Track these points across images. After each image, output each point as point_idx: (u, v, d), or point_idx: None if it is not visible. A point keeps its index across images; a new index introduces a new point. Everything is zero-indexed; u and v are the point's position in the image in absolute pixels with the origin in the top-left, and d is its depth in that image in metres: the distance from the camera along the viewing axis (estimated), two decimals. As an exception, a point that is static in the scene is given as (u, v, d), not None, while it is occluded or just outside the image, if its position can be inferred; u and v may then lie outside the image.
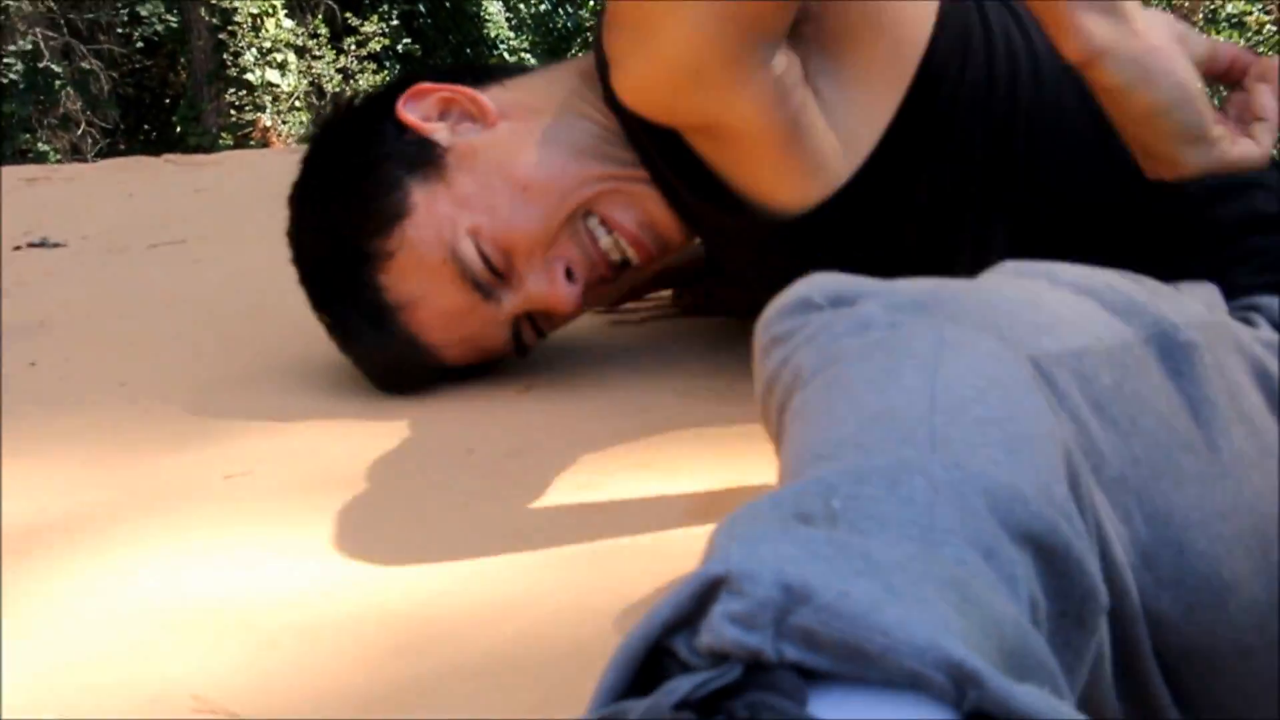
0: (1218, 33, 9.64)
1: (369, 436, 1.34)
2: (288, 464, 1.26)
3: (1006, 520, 0.66)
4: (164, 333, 1.76)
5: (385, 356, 1.42)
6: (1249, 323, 1.03)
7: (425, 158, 1.38)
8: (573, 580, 1.02)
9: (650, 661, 0.57)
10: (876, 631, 0.54)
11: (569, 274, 1.37)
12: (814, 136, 1.17)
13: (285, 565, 1.06)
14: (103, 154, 9.86)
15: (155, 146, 9.90)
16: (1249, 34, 9.56)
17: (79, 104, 9.97)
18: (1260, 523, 0.87)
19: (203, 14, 10.83)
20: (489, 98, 1.41)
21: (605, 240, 1.38)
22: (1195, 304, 0.96)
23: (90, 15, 10.08)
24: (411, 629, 0.96)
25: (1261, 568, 0.86)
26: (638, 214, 1.38)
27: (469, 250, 1.35)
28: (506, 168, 1.37)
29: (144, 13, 11.05)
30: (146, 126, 11.03)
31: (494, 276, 1.36)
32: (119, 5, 10.95)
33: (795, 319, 0.87)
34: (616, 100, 1.25)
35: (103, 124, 10.11)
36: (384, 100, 1.43)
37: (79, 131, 10.02)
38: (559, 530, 1.10)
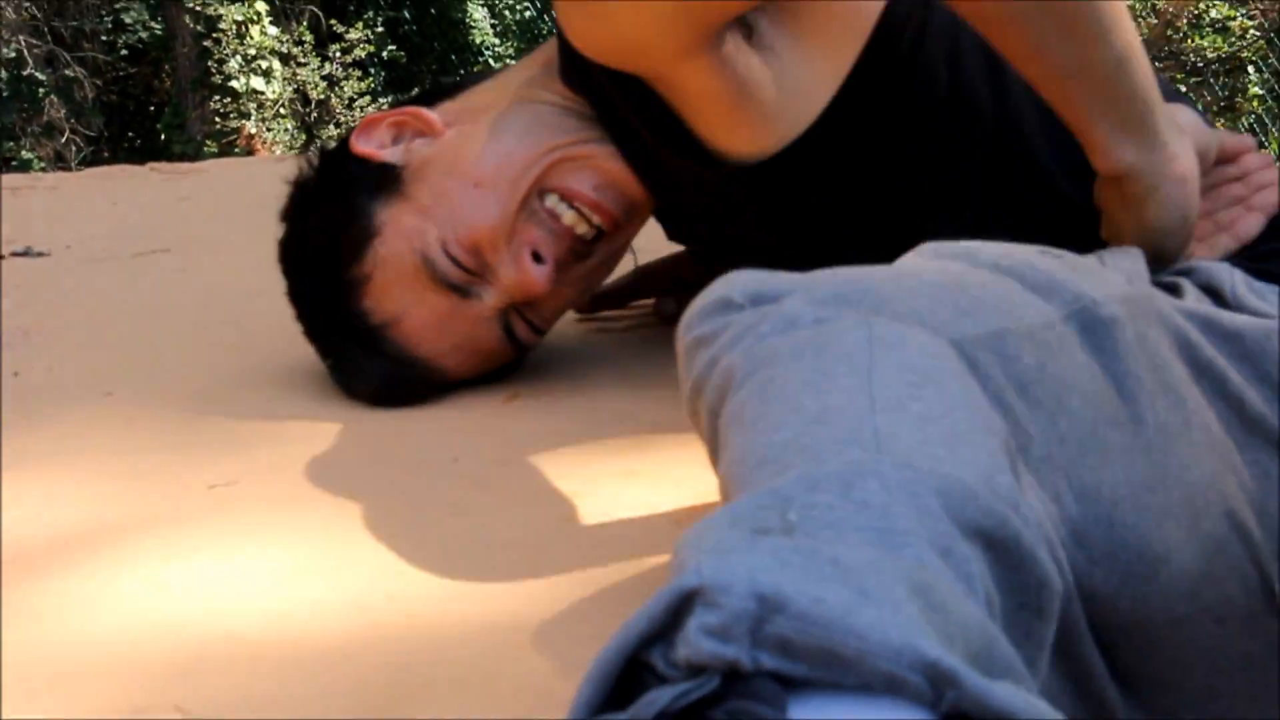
0: (1201, 38, 9.66)
1: (354, 446, 1.33)
2: (272, 475, 1.26)
3: (959, 517, 0.67)
4: (149, 342, 1.76)
5: (386, 379, 1.43)
6: (1175, 290, 1.03)
7: (383, 180, 1.41)
8: (559, 589, 1.02)
9: (626, 675, 0.58)
10: (851, 636, 0.55)
11: (536, 256, 1.38)
12: (764, 91, 1.17)
13: (270, 577, 1.06)
14: (87, 162, 9.83)
15: (140, 154, 9.88)
16: (1232, 39, 9.58)
17: (63, 112, 9.93)
18: (1188, 492, 0.87)
19: (187, 21, 10.79)
20: (439, 111, 1.45)
21: (567, 215, 1.39)
22: (1117, 276, 0.95)
23: (74, 23, 10.06)
24: (396, 640, 0.96)
25: (1191, 537, 0.87)
26: (591, 176, 1.39)
27: (437, 253, 1.37)
28: (456, 169, 1.39)
29: (128, 20, 11.03)
30: (131, 134, 11.01)
31: (467, 274, 1.38)
32: (103, 13, 10.92)
33: (717, 319, 0.87)
34: (573, 73, 1.28)
35: (87, 132, 10.08)
36: (342, 144, 1.48)
37: (63, 139, 9.99)
38: (545, 539, 1.10)
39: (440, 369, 1.43)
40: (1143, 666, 0.88)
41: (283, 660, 0.94)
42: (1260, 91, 9.22)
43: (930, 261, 0.94)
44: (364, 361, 1.44)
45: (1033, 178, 1.24)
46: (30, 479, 1.28)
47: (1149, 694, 0.89)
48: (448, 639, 0.96)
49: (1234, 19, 9.61)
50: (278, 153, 10.95)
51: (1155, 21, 9.95)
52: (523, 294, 1.39)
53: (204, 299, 1.97)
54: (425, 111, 1.45)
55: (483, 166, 1.39)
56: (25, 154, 9.88)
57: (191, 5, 10.58)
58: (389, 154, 1.43)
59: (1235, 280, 1.04)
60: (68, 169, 9.77)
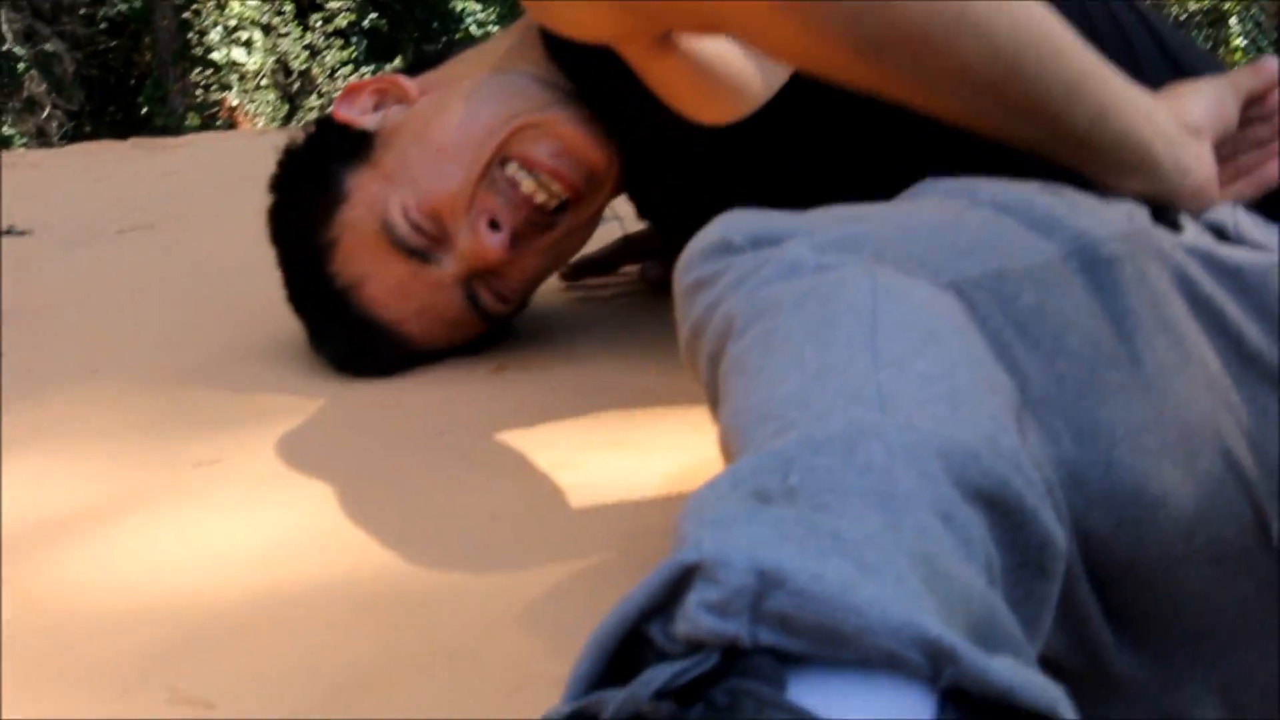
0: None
1: (340, 420, 1.33)
2: (258, 451, 1.26)
3: (960, 480, 0.67)
4: (134, 319, 1.75)
5: (352, 342, 1.43)
6: (1176, 226, 1.02)
7: (355, 147, 1.42)
8: (548, 562, 1.02)
9: (624, 649, 0.57)
10: (851, 612, 0.54)
11: (493, 224, 1.38)
12: (731, 61, 1.16)
13: (258, 554, 1.06)
14: (68, 137, 9.80)
15: (121, 128, 9.84)
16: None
17: (43, 87, 9.90)
18: (1185, 431, 0.87)
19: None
20: (420, 80, 1.47)
21: (526, 183, 1.39)
22: (1116, 213, 0.95)
23: (53, -4, 10.00)
24: (386, 614, 0.96)
25: (1188, 477, 0.87)
26: (552, 144, 1.39)
27: (397, 218, 1.38)
28: (422, 135, 1.40)
29: (107, -7, 10.99)
30: (112, 108, 10.97)
31: (427, 240, 1.38)
32: (81, -14, 10.87)
33: (717, 261, 0.87)
34: (553, 38, 1.29)
35: (68, 106, 10.04)
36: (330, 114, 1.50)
37: (44, 115, 9.96)
38: (534, 510, 1.10)
39: (405, 335, 1.43)
40: (1135, 607, 0.88)
41: (273, 637, 0.94)
42: (1242, 43, 9.22)
43: (930, 199, 0.94)
44: (331, 325, 1.45)
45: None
46: (16, 459, 1.28)
47: (1140, 634, 0.89)
48: (437, 614, 0.96)
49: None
50: (260, 124, 10.92)
51: (1138, -25, 9.93)
52: (479, 262, 1.39)
53: (188, 275, 1.97)
54: (404, 79, 1.46)
55: (446, 133, 1.39)
56: (6, 130, 9.85)
57: (171, -22, 10.54)
58: (367, 120, 1.44)
59: (1238, 217, 1.03)
60: (50, 144, 9.74)
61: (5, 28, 9.63)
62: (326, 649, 0.92)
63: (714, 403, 0.85)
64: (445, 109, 1.41)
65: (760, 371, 0.77)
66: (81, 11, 10.22)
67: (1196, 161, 1.09)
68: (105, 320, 1.76)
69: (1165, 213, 1.05)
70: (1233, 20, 9.32)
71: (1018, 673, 0.55)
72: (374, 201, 1.39)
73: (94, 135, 9.65)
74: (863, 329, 0.76)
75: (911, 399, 0.72)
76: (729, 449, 0.76)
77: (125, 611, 0.99)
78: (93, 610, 0.99)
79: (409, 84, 1.46)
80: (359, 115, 1.45)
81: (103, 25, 10.58)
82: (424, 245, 1.38)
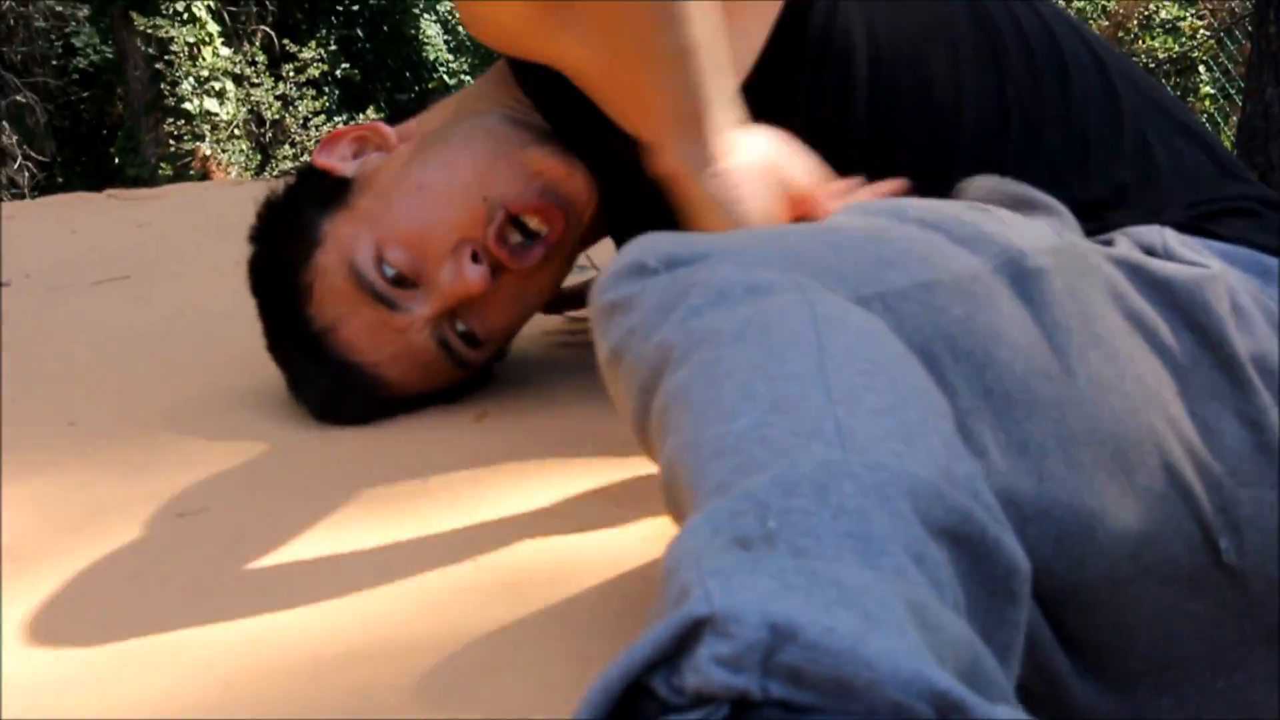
0: (1152, 39, 9.74)
1: (322, 469, 1.34)
2: (242, 500, 1.26)
3: (927, 518, 0.67)
4: (112, 370, 1.75)
5: (329, 386, 1.44)
6: (1109, 243, 1.02)
7: (333, 193, 1.43)
8: (531, 610, 1.02)
9: (624, 701, 0.58)
10: (862, 665, 0.55)
11: (475, 256, 1.38)
12: None
13: (243, 603, 1.06)
14: (40, 187, 9.79)
15: (93, 178, 9.83)
16: (1183, 39, 9.67)
17: (14, 138, 9.89)
18: (1122, 445, 0.87)
19: (139, 44, 10.76)
20: (399, 128, 1.48)
21: (506, 219, 1.39)
22: (1045, 229, 0.95)
23: (24, 48, 10.01)
24: (368, 662, 0.96)
25: (1127, 492, 0.87)
26: (531, 181, 1.39)
27: (365, 263, 1.38)
28: (402, 177, 1.41)
29: (78, 44, 10.99)
30: (84, 158, 10.96)
31: (394, 286, 1.38)
32: (53, 37, 10.87)
33: (632, 284, 0.87)
34: (518, 70, 1.31)
35: (40, 157, 10.03)
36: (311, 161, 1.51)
37: (15, 165, 9.94)
38: (517, 558, 1.11)
39: (382, 379, 1.43)
40: (1088, 632, 0.88)
41: (258, 687, 0.94)
42: (1211, 90, 9.30)
43: (855, 218, 0.94)
44: (309, 370, 1.45)
45: (954, 148, 1.22)
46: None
47: (1096, 662, 0.90)
48: (422, 661, 0.96)
49: (1184, 19, 9.70)
50: (233, 174, 10.92)
51: (1106, 23, 10.03)
52: (462, 295, 1.39)
53: (165, 325, 1.97)
54: (384, 127, 1.47)
55: (427, 173, 1.40)
56: (-23, 181, 9.81)
57: (142, 28, 10.55)
58: (346, 167, 1.45)
59: (1166, 236, 1.03)
60: (20, 194, 9.72)
61: (-24, 79, 9.63)
62: (308, 699, 0.92)
63: (641, 430, 0.85)
64: (425, 151, 1.42)
65: (709, 405, 0.76)
66: (54, 62, 10.22)
67: (732, 152, 1.10)
68: (84, 371, 1.76)
69: (1098, 229, 1.06)
70: (1201, 68, 9.41)
71: None
72: (344, 244, 1.40)
73: (66, 186, 9.64)
74: (810, 361, 0.76)
75: (868, 434, 0.72)
76: (678, 482, 0.76)
77: (110, 666, 0.99)
78: (76, 658, 0.99)
79: (389, 131, 1.47)
80: (338, 162, 1.46)
81: (74, 76, 10.58)
82: (388, 291, 1.38)
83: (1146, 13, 9.81)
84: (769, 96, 1.21)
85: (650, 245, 0.88)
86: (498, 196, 1.39)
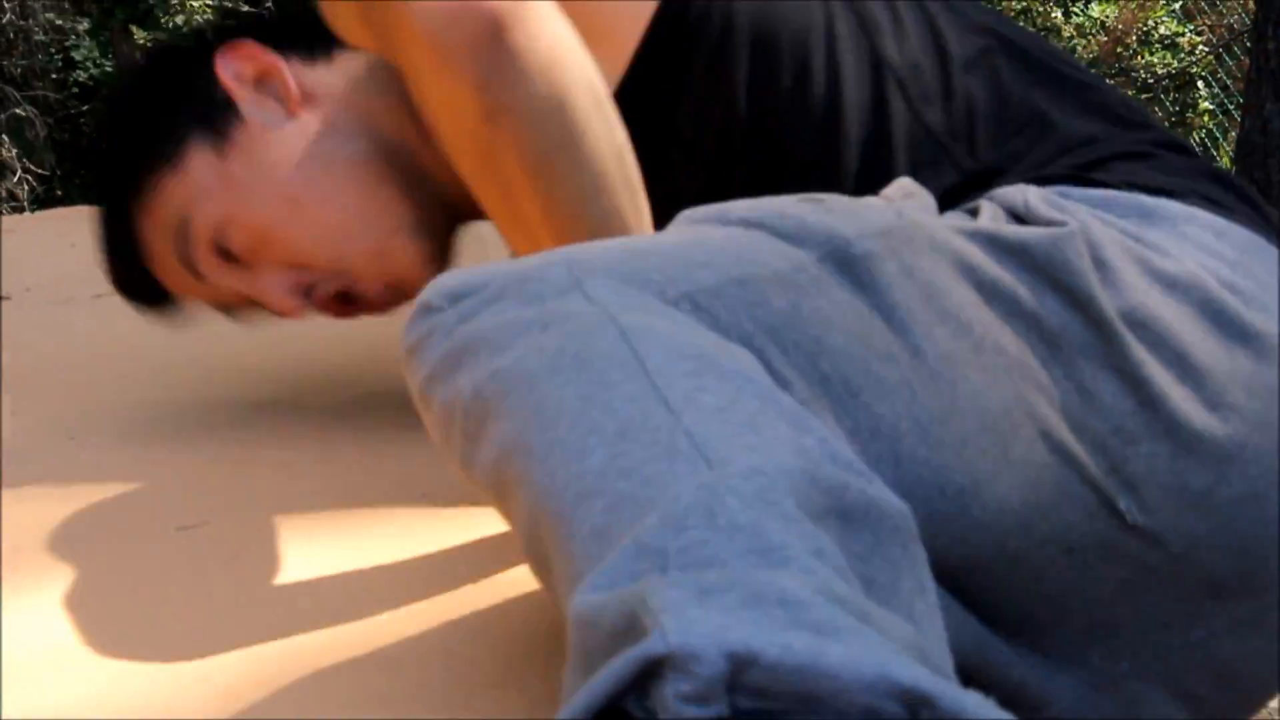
0: (1151, 54, 9.76)
1: (322, 482, 1.34)
2: (242, 514, 1.26)
3: (811, 508, 0.68)
4: (113, 383, 1.76)
5: (131, 274, 1.48)
6: (973, 213, 1.01)
7: (218, 122, 1.38)
8: (535, 624, 1.03)
9: None
10: (825, 676, 0.57)
11: (307, 292, 1.38)
12: None
13: (242, 618, 1.06)
14: (39, 200, 9.79)
15: (93, 192, 9.80)
16: (1182, 55, 9.68)
17: (14, 151, 9.89)
18: (988, 419, 0.87)
19: (136, 58, 10.76)
20: (310, 77, 1.39)
21: (342, 300, 1.40)
22: (881, 213, 0.94)
23: (24, 61, 10.02)
24: (369, 677, 0.97)
25: (1003, 467, 0.86)
26: (384, 270, 1.38)
27: (199, 230, 1.37)
28: (281, 173, 1.36)
29: (78, 57, 10.99)
30: (84, 172, 10.94)
31: (217, 255, 1.38)
32: (53, 50, 10.88)
33: (421, 325, 0.87)
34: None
35: (39, 170, 10.03)
36: (206, 45, 1.41)
37: (15, 178, 9.94)
38: (520, 573, 1.11)
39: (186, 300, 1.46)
40: (1006, 609, 0.88)
41: (256, 700, 0.95)
42: (1210, 106, 9.32)
43: (677, 227, 0.94)
44: (115, 242, 1.47)
45: (837, 133, 1.20)
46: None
47: (1033, 638, 0.90)
48: (423, 674, 0.97)
49: (1183, 35, 9.72)
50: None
51: (1104, 38, 10.05)
52: (273, 309, 1.40)
53: (167, 338, 1.97)
54: (291, 81, 1.37)
55: (304, 191, 1.36)
56: (-23, 195, 9.81)
57: (143, 41, 10.54)
58: (243, 99, 1.37)
59: (1028, 195, 1.02)
60: (20, 208, 9.71)
61: (-24, 92, 9.64)
62: (310, 709, 0.93)
63: (469, 474, 0.84)
64: (313, 161, 1.36)
65: (552, 448, 0.75)
66: (53, 76, 10.23)
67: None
68: (84, 385, 1.76)
69: (961, 201, 1.04)
70: (1200, 84, 9.42)
71: (990, 709, 0.58)
72: (194, 195, 1.37)
73: (65, 198, 9.64)
74: (637, 378, 0.75)
75: (721, 437, 0.71)
76: (544, 531, 0.74)
77: (109, 680, 0.99)
78: (78, 677, 1.00)
79: (293, 87, 1.37)
80: (235, 82, 1.37)
81: (74, 90, 10.59)
82: (202, 262, 1.39)
83: (1145, 28, 9.83)
84: (651, 92, 1.21)
85: (439, 285, 0.87)
86: (348, 266, 1.37)
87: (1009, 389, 0.88)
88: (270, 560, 1.16)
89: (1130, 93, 9.33)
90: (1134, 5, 9.93)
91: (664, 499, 0.68)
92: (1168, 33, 9.80)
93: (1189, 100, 9.43)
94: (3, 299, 2.30)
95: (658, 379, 0.75)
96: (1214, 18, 9.63)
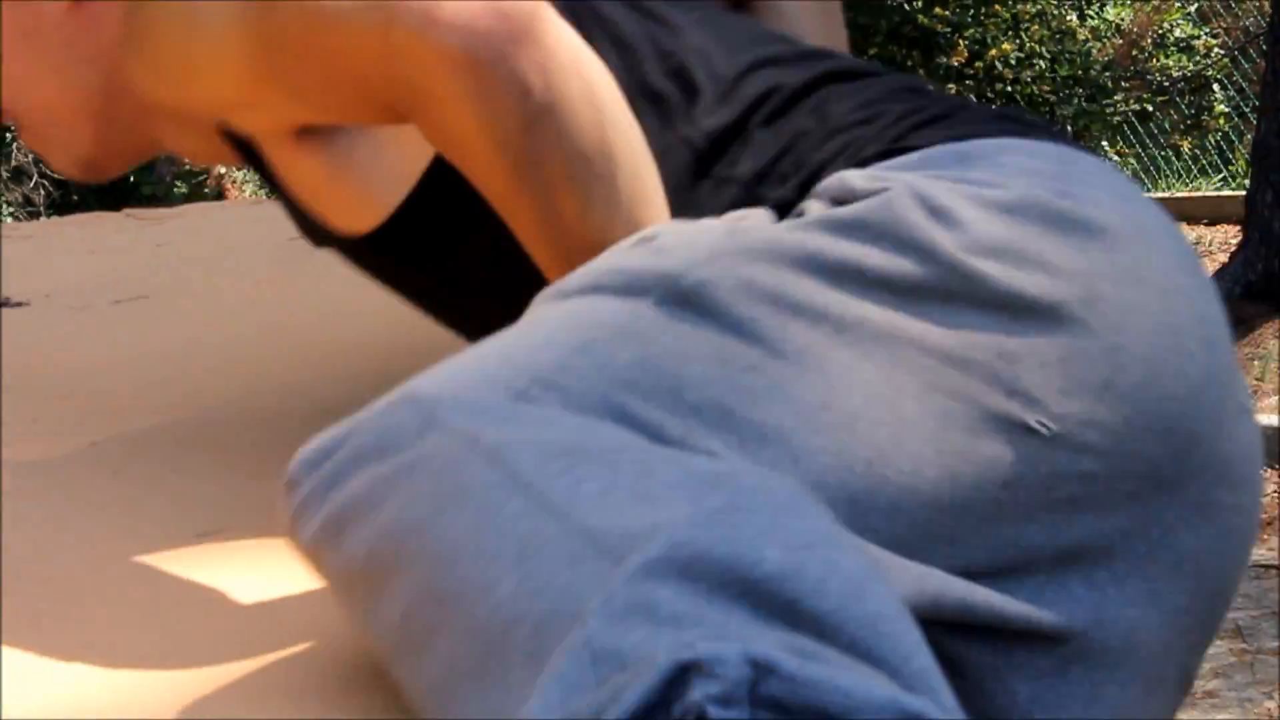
0: (1166, 57, 9.75)
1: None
2: (261, 519, 1.27)
3: (734, 591, 0.68)
4: (132, 389, 1.77)
5: None
6: (800, 214, 1.02)
7: None
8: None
9: None
10: (839, 694, 0.60)
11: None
12: (358, 170, 1.20)
13: (264, 624, 1.07)
14: (55, 205, 9.82)
15: (109, 196, 9.86)
16: (1197, 57, 9.67)
17: (30, 156, 9.91)
18: (873, 390, 0.89)
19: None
20: None
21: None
22: (709, 235, 0.96)
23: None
24: (390, 684, 0.97)
25: (903, 427, 0.89)
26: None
27: None
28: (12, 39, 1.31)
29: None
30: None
31: None
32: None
33: (293, 498, 0.93)
34: None
35: (55, 175, 10.06)
36: None
37: (31, 183, 9.98)
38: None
39: None
40: (977, 559, 0.90)
41: (284, 704, 0.95)
42: (1226, 109, 9.31)
43: (526, 315, 0.96)
44: None
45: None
46: (18, 531, 1.29)
47: (1014, 583, 0.92)
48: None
49: (1198, 38, 9.71)
50: (248, 193, 10.94)
51: (1120, 42, 10.04)
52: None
53: (185, 345, 1.98)
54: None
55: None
56: (-8, 199, 9.85)
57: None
58: None
59: (845, 179, 1.02)
60: (37, 213, 9.75)
61: (-7, 98, 9.68)
62: (333, 712, 0.93)
63: (371, 627, 0.86)
64: (33, 51, 1.31)
65: (461, 589, 0.77)
66: (70, 81, 10.27)
67: None
68: (104, 390, 1.77)
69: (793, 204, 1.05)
70: (1215, 87, 9.41)
71: None
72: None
73: (81, 204, 9.67)
74: (516, 494, 0.77)
75: (618, 526, 0.73)
76: (479, 666, 0.75)
77: (134, 688, 1.00)
78: (92, 676, 1.00)
79: None
80: None
81: (90, 95, 10.63)
82: None
83: (1160, 31, 9.82)
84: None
85: (299, 455, 0.93)
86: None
87: (882, 355, 0.90)
88: (289, 566, 1.16)
89: (1145, 95, 9.34)
90: (1149, 8, 9.93)
91: (589, 605, 0.69)
92: (1183, 36, 9.79)
93: (1204, 103, 9.42)
94: (22, 305, 2.32)
95: (537, 487, 0.77)
96: (1230, 20, 9.63)
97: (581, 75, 1.07)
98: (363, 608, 0.86)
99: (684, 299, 0.91)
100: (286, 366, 1.77)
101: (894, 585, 0.78)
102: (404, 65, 1.07)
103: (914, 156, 1.04)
